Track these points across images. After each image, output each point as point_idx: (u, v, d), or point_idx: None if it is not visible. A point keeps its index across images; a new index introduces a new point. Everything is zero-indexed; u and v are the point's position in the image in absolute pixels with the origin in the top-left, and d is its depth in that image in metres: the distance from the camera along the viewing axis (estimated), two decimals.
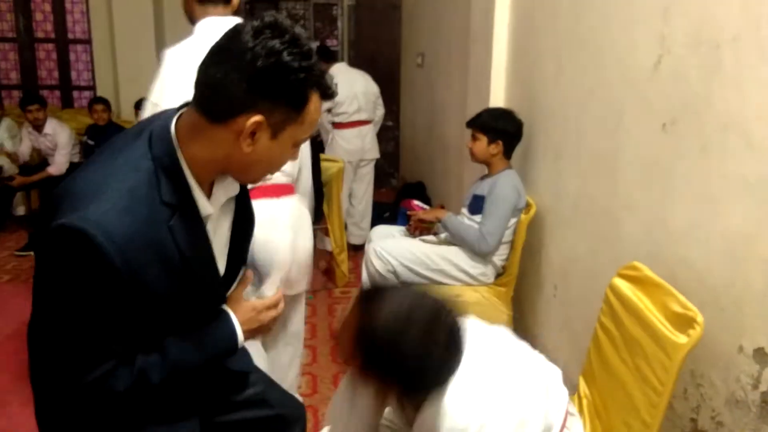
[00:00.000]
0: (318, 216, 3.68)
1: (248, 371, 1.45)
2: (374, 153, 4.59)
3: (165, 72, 1.68)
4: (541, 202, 2.58)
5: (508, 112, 2.64)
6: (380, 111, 4.68)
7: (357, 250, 4.29)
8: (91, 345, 1.04)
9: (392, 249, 2.63)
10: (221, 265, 1.24)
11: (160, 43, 6.07)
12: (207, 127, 1.03)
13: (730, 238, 1.44)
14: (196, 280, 1.12)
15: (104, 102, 5.24)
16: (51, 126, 4.96)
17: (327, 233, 3.85)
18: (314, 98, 1.05)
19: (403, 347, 1.09)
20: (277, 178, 1.82)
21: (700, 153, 1.54)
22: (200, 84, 1.03)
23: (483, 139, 2.58)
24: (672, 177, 1.66)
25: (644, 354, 1.40)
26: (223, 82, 0.99)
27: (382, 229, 2.97)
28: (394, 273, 2.61)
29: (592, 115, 2.14)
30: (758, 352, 1.35)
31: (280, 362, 2.22)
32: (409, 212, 2.85)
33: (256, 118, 0.99)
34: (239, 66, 0.98)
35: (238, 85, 0.98)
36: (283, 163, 1.13)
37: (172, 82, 1.64)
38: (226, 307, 1.25)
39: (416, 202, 2.96)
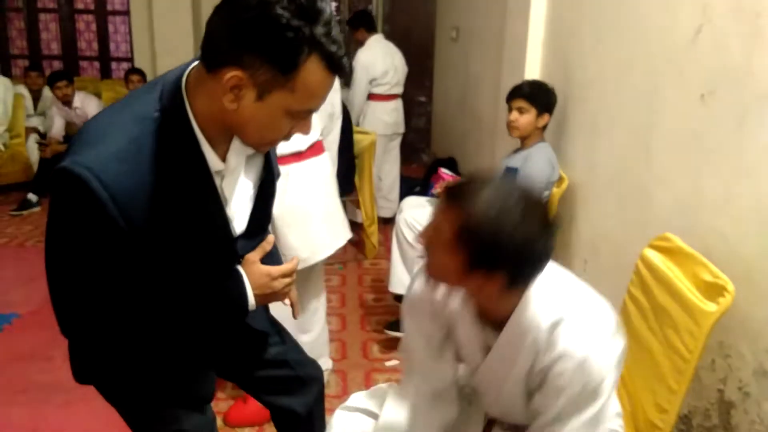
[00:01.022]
0: (349, 188, 3.71)
1: (268, 332, 1.45)
2: (403, 127, 4.65)
3: None
4: (574, 175, 2.57)
5: (545, 83, 2.62)
6: None
7: (386, 223, 4.32)
8: (93, 286, 1.04)
9: (422, 218, 2.65)
10: (240, 224, 1.21)
11: (197, 16, 6.12)
12: (205, 78, 0.99)
13: (763, 211, 1.43)
14: (202, 235, 1.11)
15: (140, 73, 5.32)
16: (79, 99, 5.08)
17: (358, 205, 3.89)
18: (312, 66, 0.95)
19: (508, 230, 1.06)
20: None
21: (736, 124, 1.52)
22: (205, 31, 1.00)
23: (532, 111, 2.52)
24: (707, 149, 1.65)
25: (673, 322, 1.41)
26: (215, 30, 0.96)
27: (412, 200, 2.99)
28: None
29: (630, 87, 2.12)
30: None
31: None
32: (436, 185, 2.85)
33: (235, 72, 0.94)
34: (231, 14, 0.94)
35: (226, 34, 0.94)
36: (278, 132, 1.05)
37: None
38: (239, 268, 1.21)
39: (444, 171, 2.96)
